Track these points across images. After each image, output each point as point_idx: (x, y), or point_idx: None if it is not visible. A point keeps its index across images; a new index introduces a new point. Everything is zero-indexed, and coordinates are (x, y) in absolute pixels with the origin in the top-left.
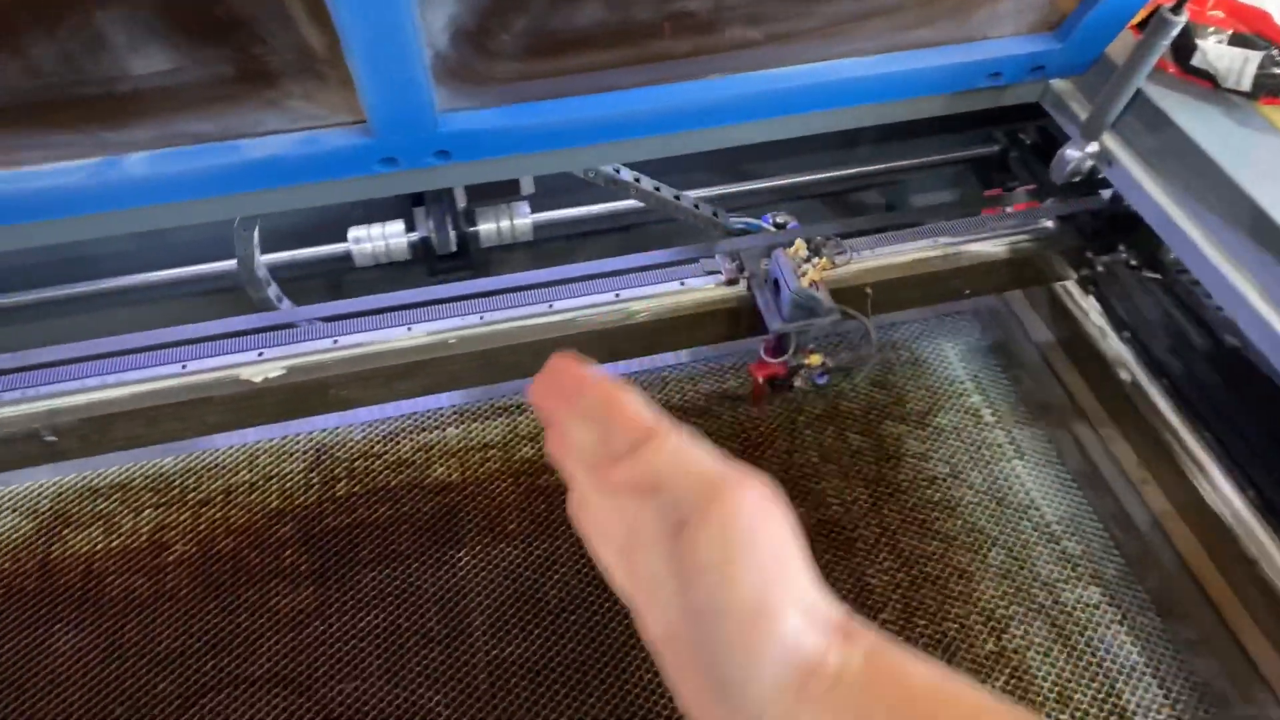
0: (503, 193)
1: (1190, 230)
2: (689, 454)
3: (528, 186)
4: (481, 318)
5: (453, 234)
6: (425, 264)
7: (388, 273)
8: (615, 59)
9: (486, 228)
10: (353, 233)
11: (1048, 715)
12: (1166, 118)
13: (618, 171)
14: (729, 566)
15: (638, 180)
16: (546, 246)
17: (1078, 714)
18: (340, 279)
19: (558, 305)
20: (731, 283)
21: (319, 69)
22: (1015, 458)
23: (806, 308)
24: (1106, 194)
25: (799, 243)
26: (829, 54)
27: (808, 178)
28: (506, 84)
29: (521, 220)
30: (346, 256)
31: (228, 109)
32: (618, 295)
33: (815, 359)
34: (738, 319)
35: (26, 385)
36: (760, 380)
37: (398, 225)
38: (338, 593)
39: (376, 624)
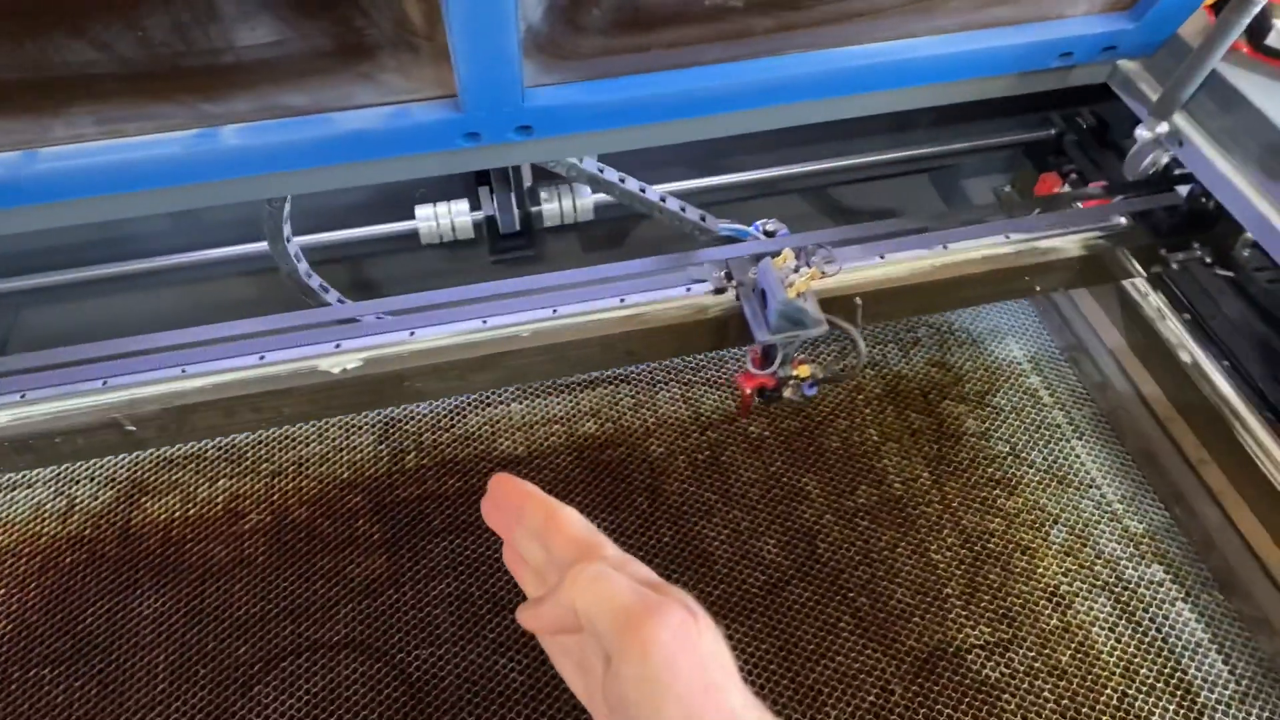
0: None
1: (1264, 208)
2: (605, 585)
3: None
4: (554, 311)
5: (517, 213)
6: (487, 243)
7: (448, 251)
8: (696, 35)
9: (549, 208)
10: (420, 210)
11: (1114, 689)
12: (1241, 97)
13: (601, 171)
14: (651, 701)
15: (622, 180)
16: (604, 227)
17: (1144, 687)
18: (400, 258)
19: (630, 300)
20: (719, 292)
21: (415, 42)
22: (1074, 438)
23: (793, 319)
24: (1183, 190)
25: (786, 252)
26: (908, 31)
27: (860, 160)
28: (590, 59)
29: (583, 200)
30: (411, 234)
31: (323, 82)
32: (689, 290)
33: (804, 370)
34: (724, 328)
35: (108, 375)
36: (748, 391)
37: (463, 204)
38: (409, 561)
39: (448, 592)
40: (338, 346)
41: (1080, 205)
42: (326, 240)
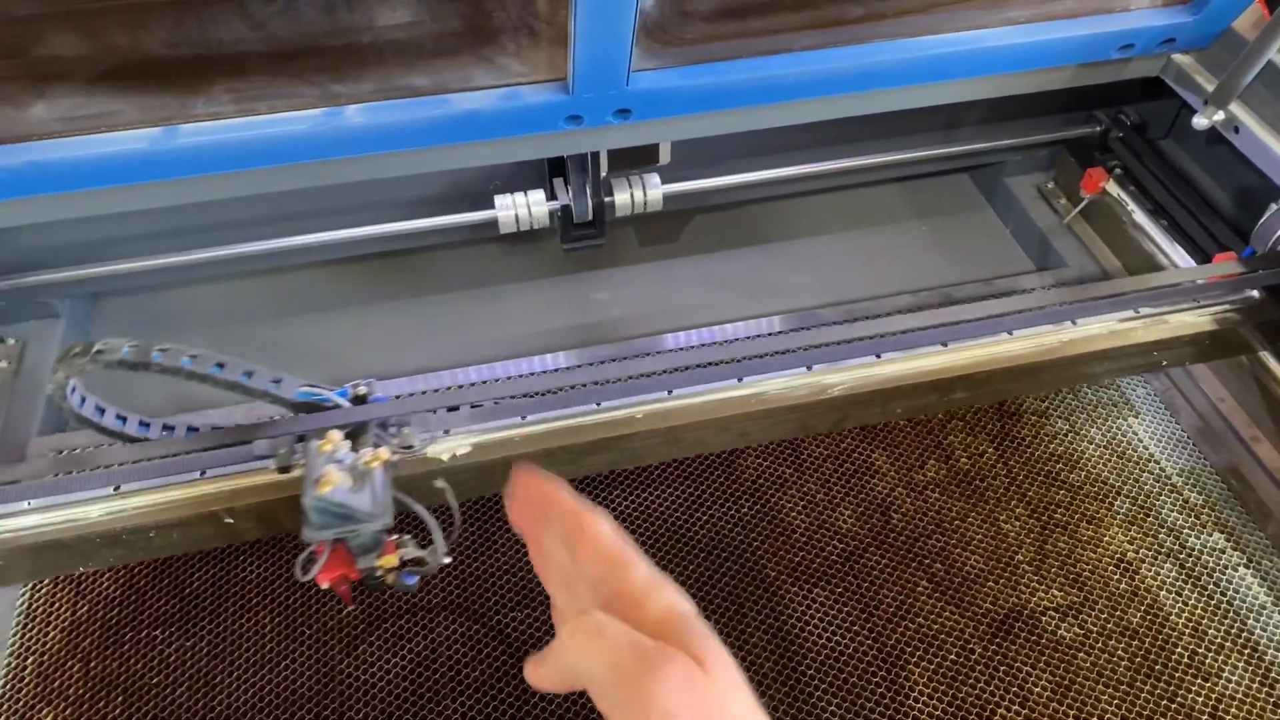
0: (644, 160)
1: None
2: (600, 643)
3: (665, 156)
4: (669, 393)
5: (590, 203)
6: (561, 232)
7: (520, 242)
8: (792, 23)
9: (621, 198)
10: (499, 200)
11: (1184, 648)
12: None
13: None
14: None
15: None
16: (672, 218)
17: (1212, 647)
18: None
19: (747, 380)
20: (284, 470)
21: (536, 26)
22: (1131, 415)
23: (337, 514)
24: None
25: (331, 434)
26: (981, 22)
27: (905, 156)
28: (692, 45)
29: (654, 191)
30: (491, 224)
31: (446, 63)
32: (809, 368)
33: (390, 559)
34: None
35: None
36: (325, 586)
37: (539, 193)
38: (501, 529)
39: None
40: (446, 432)
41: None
42: (399, 230)
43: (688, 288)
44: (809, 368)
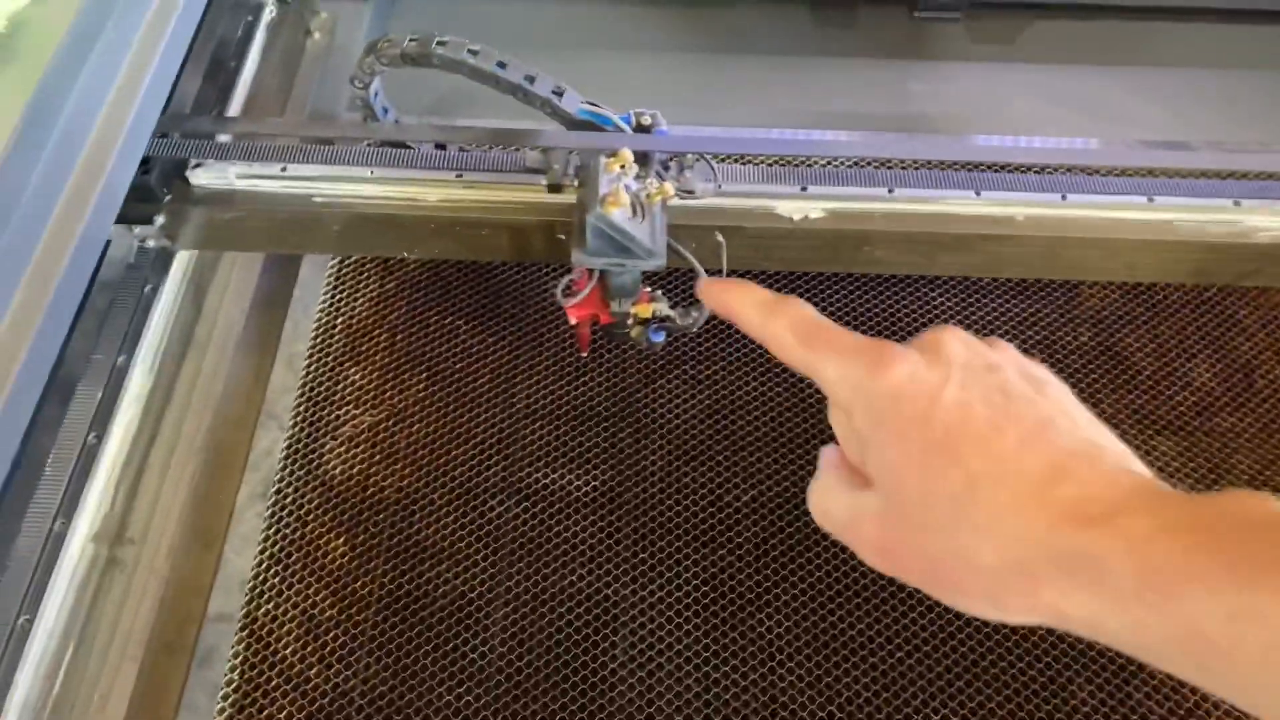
0: None
1: None
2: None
3: None
4: (1064, 198)
5: None
6: None
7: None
8: None
9: None
10: None
11: None
12: None
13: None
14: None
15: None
16: (1013, 18)
17: None
18: None
19: (1159, 201)
20: (554, 189)
21: None
22: None
23: (614, 243)
24: None
25: (624, 153)
26: None
27: None
28: None
29: None
30: None
31: None
32: (1237, 202)
33: (645, 309)
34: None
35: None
36: (573, 322)
37: None
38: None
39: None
40: (803, 190)
41: None
42: None
43: (1016, 96)
44: (1237, 202)
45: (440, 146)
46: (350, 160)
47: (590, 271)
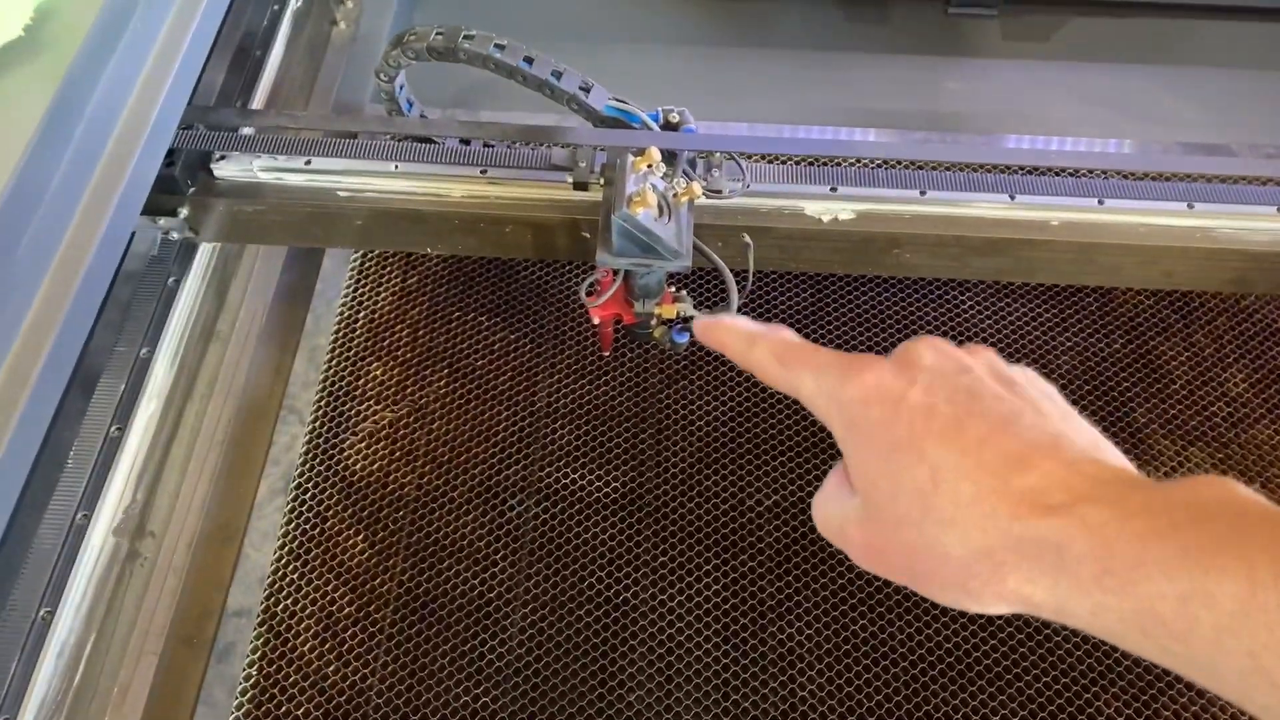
0: None
1: None
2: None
3: None
4: (1100, 202)
5: None
6: None
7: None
8: None
9: None
10: None
11: None
12: None
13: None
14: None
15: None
16: (1049, 15)
17: None
18: None
19: (1199, 207)
20: (580, 187)
21: None
22: None
23: (640, 242)
24: None
25: (651, 151)
26: None
27: None
28: None
29: None
30: None
31: None
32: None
33: (669, 310)
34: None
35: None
36: (596, 322)
37: None
38: (782, 300)
39: None
40: (833, 190)
41: None
42: None
43: (1052, 95)
44: None
45: (465, 142)
46: (375, 154)
47: (615, 271)
